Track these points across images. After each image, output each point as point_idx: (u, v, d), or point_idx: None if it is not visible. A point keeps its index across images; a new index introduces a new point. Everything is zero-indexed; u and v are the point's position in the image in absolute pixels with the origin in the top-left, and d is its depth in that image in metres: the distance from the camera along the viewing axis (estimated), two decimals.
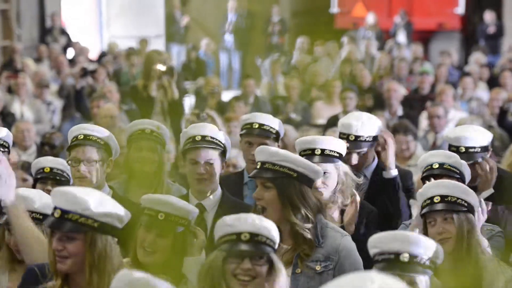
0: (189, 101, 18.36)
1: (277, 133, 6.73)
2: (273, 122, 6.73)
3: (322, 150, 5.92)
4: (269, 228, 4.43)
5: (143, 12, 23.09)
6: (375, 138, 6.68)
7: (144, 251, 5.08)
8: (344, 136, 6.64)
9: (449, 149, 6.59)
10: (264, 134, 6.65)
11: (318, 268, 5.17)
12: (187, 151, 6.11)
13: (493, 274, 5.15)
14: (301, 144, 6.04)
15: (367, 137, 6.64)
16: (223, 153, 6.19)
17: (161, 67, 10.49)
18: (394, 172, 6.63)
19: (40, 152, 10.98)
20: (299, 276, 5.16)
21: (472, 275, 5.11)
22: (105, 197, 4.73)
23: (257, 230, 4.39)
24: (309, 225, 5.10)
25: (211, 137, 6.11)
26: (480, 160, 6.49)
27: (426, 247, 4.30)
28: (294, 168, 5.11)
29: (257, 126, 6.68)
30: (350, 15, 23.05)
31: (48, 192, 7.04)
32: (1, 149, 6.51)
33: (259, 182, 5.11)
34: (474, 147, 6.52)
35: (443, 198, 5.12)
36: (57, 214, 4.55)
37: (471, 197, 5.19)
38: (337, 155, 5.94)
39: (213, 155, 6.10)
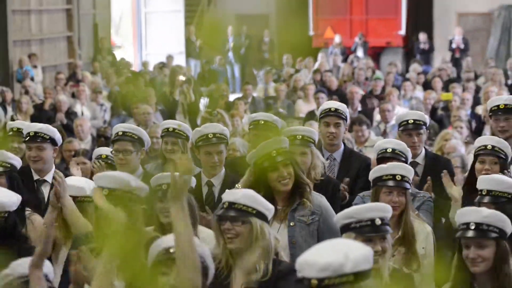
0: (204, 102, 18.30)
1: (277, 127, 6.69)
2: (274, 119, 6.68)
3: (302, 136, 5.87)
4: (247, 197, 4.37)
5: (169, 36, 23.09)
6: (346, 118, 6.61)
7: (163, 216, 5.04)
8: (324, 111, 6.58)
9: (400, 125, 6.65)
10: (268, 129, 6.59)
11: (307, 220, 5.15)
12: (202, 146, 6.08)
13: (418, 230, 5.19)
14: (287, 132, 5.97)
15: (342, 111, 6.57)
16: (227, 143, 6.20)
17: (182, 78, 10.47)
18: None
19: (97, 142, 10.92)
20: (294, 228, 5.15)
21: (410, 230, 5.11)
22: (134, 177, 4.72)
23: (235, 200, 4.36)
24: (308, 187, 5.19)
25: (220, 134, 6.08)
26: (422, 131, 6.54)
27: (388, 211, 4.27)
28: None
29: (262, 122, 6.61)
30: (323, 37, 22.98)
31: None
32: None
33: (282, 164, 5.09)
34: (420, 120, 6.56)
35: (402, 177, 5.16)
36: (104, 192, 4.50)
37: (411, 175, 5.27)
38: (312, 141, 5.88)
39: (222, 147, 6.10)
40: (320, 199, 5.26)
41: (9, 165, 5.84)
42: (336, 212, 5.06)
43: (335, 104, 6.68)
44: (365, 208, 4.24)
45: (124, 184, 4.53)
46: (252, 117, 6.77)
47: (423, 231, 5.20)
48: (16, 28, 18.10)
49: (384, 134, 11.28)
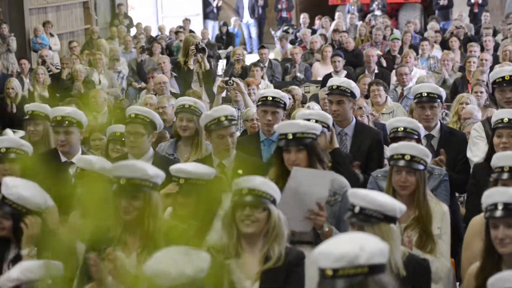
0: (221, 65, 18.19)
1: (285, 103, 6.63)
2: (282, 95, 6.61)
3: (316, 121, 5.83)
4: (265, 185, 4.43)
5: None
6: (352, 94, 6.56)
7: (179, 208, 5.06)
8: (330, 88, 6.58)
9: (415, 97, 6.68)
10: (275, 104, 6.54)
11: (330, 201, 5.15)
12: (214, 129, 6.03)
13: (435, 210, 5.17)
14: (303, 116, 5.92)
15: (345, 88, 6.54)
16: (236, 125, 6.20)
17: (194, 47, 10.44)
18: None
19: (113, 113, 10.90)
20: None
21: (424, 210, 5.09)
22: (149, 165, 4.72)
23: (255, 186, 4.40)
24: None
25: (230, 116, 6.04)
26: (436, 104, 6.54)
27: (374, 203, 4.17)
28: (314, 132, 5.14)
29: (270, 98, 6.56)
30: None
31: (117, 150, 7.08)
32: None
33: (293, 149, 5.10)
34: (433, 93, 6.58)
35: (412, 157, 5.10)
36: (122, 181, 4.51)
37: (429, 158, 5.20)
38: (326, 125, 5.85)
39: (233, 129, 6.06)
40: (341, 180, 5.26)
41: (21, 152, 5.87)
42: None
43: (337, 81, 6.64)
44: (353, 193, 4.25)
45: (142, 173, 4.54)
46: (261, 94, 6.71)
47: (439, 210, 5.17)
48: None
49: (401, 97, 11.23)
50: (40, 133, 6.93)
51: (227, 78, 10.31)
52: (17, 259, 4.66)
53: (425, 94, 6.57)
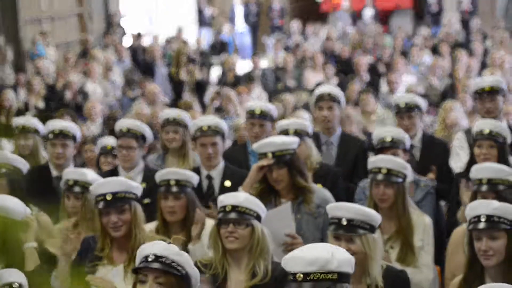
0: (216, 72, 18.30)
1: (271, 116, 6.74)
2: (270, 108, 6.72)
3: (295, 130, 5.98)
4: (249, 201, 4.50)
5: (180, 5, 23.05)
6: (340, 101, 6.72)
7: (167, 213, 5.20)
8: (321, 96, 6.72)
9: (394, 108, 6.83)
10: (263, 117, 6.65)
11: (314, 213, 5.27)
12: (198, 138, 6.16)
13: (417, 222, 5.23)
14: (281, 127, 6.05)
15: (335, 95, 6.69)
16: (223, 136, 6.24)
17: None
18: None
19: (107, 124, 11.03)
20: (301, 221, 5.26)
21: (404, 223, 5.17)
22: (131, 181, 4.90)
23: (238, 203, 4.47)
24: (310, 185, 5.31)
25: (215, 126, 6.15)
26: (414, 114, 6.63)
27: (360, 214, 4.20)
28: (293, 147, 5.27)
29: (258, 111, 6.69)
30: (331, 1, 22.84)
31: (108, 163, 7.19)
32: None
33: (275, 167, 5.22)
34: (410, 103, 6.67)
35: (389, 170, 5.18)
36: (109, 197, 4.66)
37: (408, 171, 5.27)
38: (305, 133, 5.97)
39: (217, 139, 6.16)
40: (324, 192, 5.37)
41: (12, 168, 5.87)
42: (337, 201, 5.20)
43: (327, 88, 6.82)
44: (336, 206, 4.30)
45: (126, 186, 4.68)
46: (249, 107, 6.84)
47: (422, 222, 5.21)
48: (26, 7, 18.17)
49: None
50: (30, 147, 6.99)
51: (219, 89, 10.47)
52: None
53: (403, 105, 6.67)
